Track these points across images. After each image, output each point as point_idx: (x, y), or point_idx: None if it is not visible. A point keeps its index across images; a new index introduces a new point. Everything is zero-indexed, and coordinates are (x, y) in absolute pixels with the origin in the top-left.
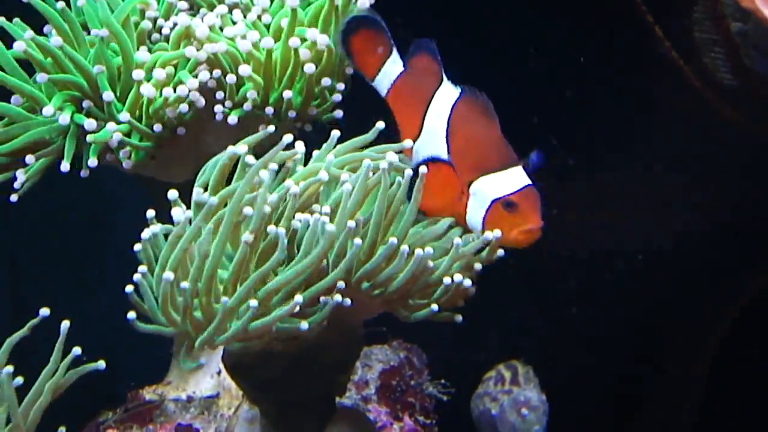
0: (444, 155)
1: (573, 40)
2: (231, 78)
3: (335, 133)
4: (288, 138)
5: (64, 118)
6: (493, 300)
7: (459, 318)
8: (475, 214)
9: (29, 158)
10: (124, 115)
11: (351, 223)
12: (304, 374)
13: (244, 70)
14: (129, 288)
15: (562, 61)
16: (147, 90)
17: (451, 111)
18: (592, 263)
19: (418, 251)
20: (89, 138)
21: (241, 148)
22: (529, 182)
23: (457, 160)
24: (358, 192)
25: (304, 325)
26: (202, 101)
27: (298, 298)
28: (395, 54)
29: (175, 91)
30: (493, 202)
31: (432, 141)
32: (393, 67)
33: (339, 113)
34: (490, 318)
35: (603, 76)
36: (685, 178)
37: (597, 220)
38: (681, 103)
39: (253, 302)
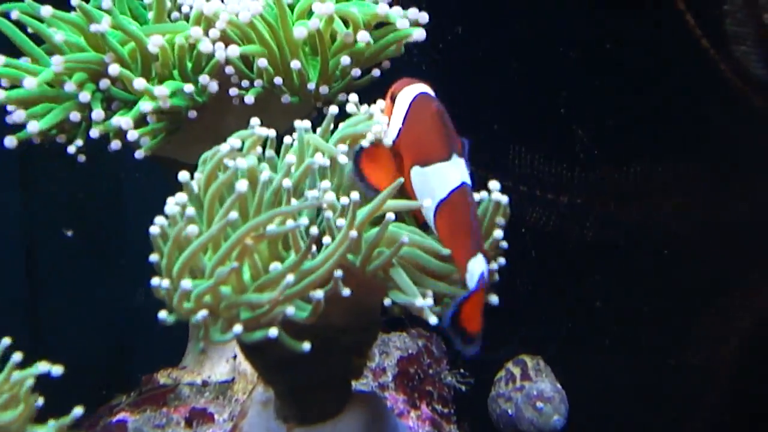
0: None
1: (602, 31)
2: (233, 50)
3: (333, 110)
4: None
5: (84, 96)
6: (513, 293)
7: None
8: None
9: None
10: (146, 105)
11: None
12: (320, 356)
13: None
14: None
15: (590, 51)
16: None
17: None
18: (616, 256)
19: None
20: (99, 128)
21: (234, 142)
22: None
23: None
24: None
25: (291, 310)
26: (214, 86)
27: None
28: None
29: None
30: None
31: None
32: None
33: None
34: (511, 312)
35: (632, 66)
36: (715, 171)
37: (622, 213)
38: (712, 94)
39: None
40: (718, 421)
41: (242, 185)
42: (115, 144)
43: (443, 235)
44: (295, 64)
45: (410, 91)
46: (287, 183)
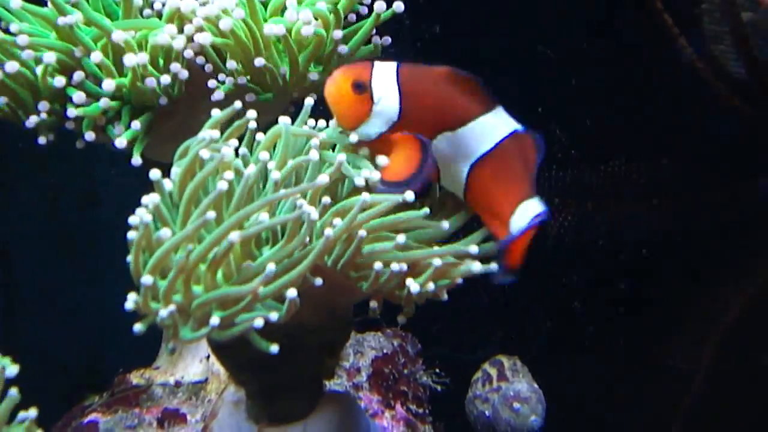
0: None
1: (579, 29)
2: (206, 38)
3: (308, 102)
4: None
5: (60, 80)
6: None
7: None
8: None
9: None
10: (108, 83)
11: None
12: (291, 355)
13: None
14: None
15: (567, 50)
16: (130, 60)
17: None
18: (595, 257)
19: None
20: (79, 111)
21: (213, 133)
22: None
23: None
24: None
25: (274, 315)
26: (185, 73)
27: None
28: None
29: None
30: None
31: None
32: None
33: None
34: (489, 311)
35: (609, 65)
36: (692, 170)
37: (600, 213)
38: (690, 93)
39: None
40: (694, 423)
41: (223, 185)
42: (89, 135)
43: (482, 185)
44: (258, 61)
45: (382, 69)
46: (276, 175)
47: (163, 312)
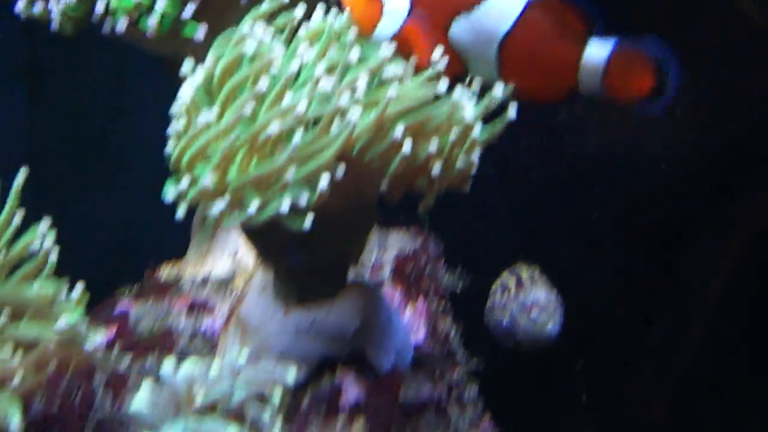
0: None
1: None
2: None
3: None
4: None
5: None
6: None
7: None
8: None
9: None
10: None
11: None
12: (318, 239)
13: None
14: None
15: None
16: None
17: None
18: (610, 176)
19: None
20: (113, 3)
21: (259, 29)
22: None
23: None
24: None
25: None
26: None
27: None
28: None
29: None
30: None
31: None
32: None
33: None
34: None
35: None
36: (707, 86)
37: (614, 135)
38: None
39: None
40: (711, 336)
41: (264, 84)
42: (121, 24)
43: (525, 62)
44: None
45: None
46: (320, 71)
47: (218, 207)
